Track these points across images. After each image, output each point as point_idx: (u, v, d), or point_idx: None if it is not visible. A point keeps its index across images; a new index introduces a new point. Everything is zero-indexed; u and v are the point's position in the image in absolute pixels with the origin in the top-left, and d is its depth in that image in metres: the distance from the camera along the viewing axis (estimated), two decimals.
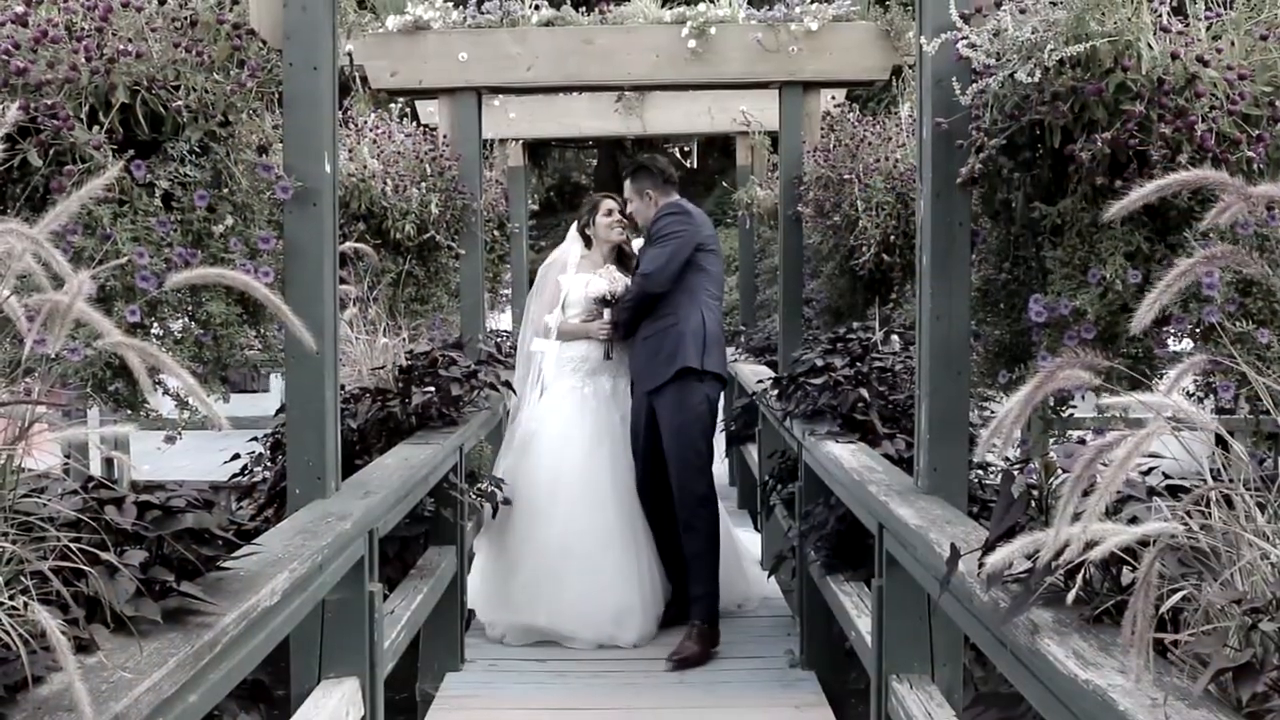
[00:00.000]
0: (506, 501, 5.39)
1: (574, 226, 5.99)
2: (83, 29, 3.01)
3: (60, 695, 1.63)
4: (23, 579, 1.80)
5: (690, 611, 5.34)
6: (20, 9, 2.97)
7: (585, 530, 5.38)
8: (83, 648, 1.80)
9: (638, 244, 5.87)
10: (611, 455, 5.59)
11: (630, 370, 5.70)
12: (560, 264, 5.87)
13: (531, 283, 9.03)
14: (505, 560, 5.50)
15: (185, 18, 3.13)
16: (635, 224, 5.85)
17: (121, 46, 2.98)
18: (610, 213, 5.84)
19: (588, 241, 5.89)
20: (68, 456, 2.27)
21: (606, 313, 5.68)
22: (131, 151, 3.00)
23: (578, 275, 5.77)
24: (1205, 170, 1.80)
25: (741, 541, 6.30)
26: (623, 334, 5.63)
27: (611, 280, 5.71)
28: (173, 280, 2.05)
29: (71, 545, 1.90)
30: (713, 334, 5.46)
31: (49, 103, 2.88)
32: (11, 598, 1.72)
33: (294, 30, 3.26)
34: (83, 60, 2.94)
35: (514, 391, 5.66)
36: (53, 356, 1.93)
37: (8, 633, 1.65)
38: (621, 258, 5.90)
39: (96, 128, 2.94)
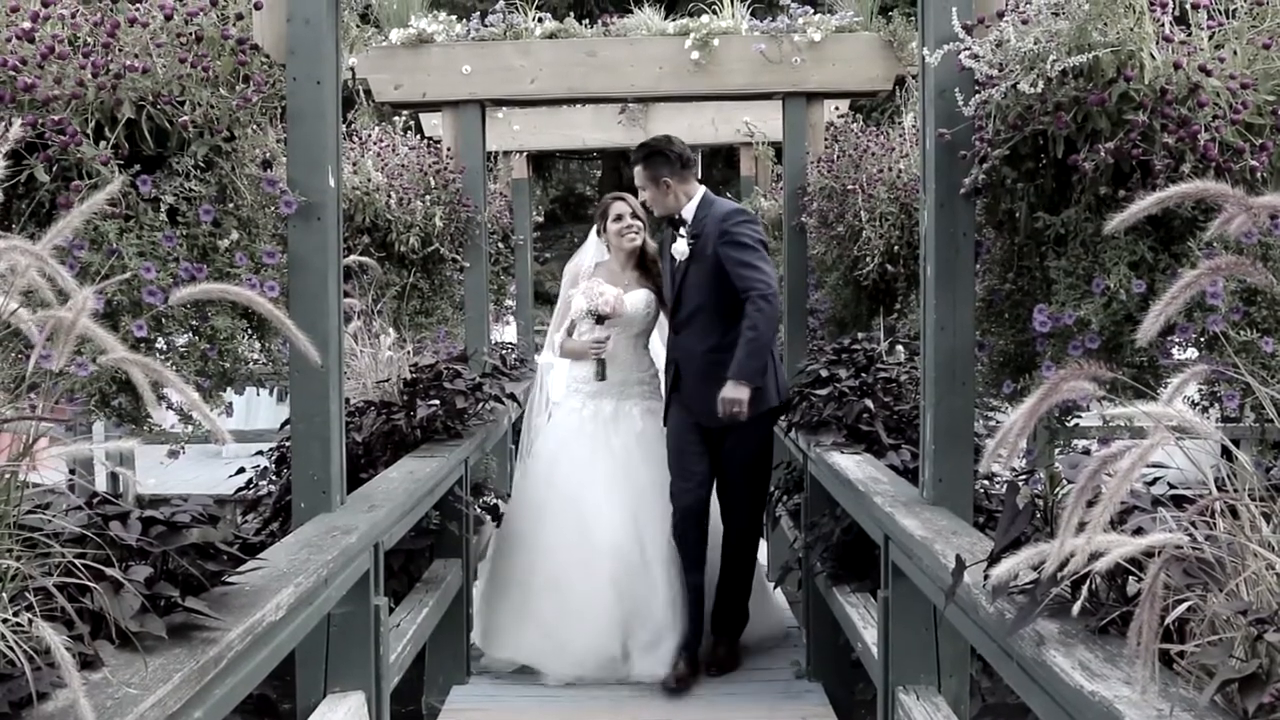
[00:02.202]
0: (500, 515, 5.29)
1: (594, 229, 5.56)
2: (89, 45, 3.03)
3: (65, 712, 1.63)
4: (27, 595, 1.81)
5: (717, 628, 5.14)
6: (27, 25, 2.98)
7: (572, 565, 5.02)
8: (87, 664, 1.81)
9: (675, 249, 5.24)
10: (608, 484, 5.16)
11: (688, 402, 5.04)
12: (572, 277, 5.48)
13: (537, 295, 8.98)
14: (494, 593, 5.27)
15: (190, 33, 3.14)
16: (635, 213, 5.34)
17: (128, 62, 2.99)
18: (620, 218, 5.32)
19: (607, 245, 5.45)
20: (72, 471, 2.28)
21: (598, 329, 5.21)
22: (137, 166, 3.01)
23: (589, 281, 5.30)
24: (1207, 182, 1.80)
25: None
26: (760, 379, 4.80)
27: (593, 297, 5.16)
28: (177, 296, 2.06)
29: (76, 561, 1.91)
30: (775, 357, 5.06)
31: (55, 118, 2.90)
32: (16, 614, 1.72)
33: (297, 45, 3.27)
34: (89, 76, 2.96)
35: (519, 404, 5.53)
36: (57, 372, 1.93)
37: (12, 649, 1.65)
38: (644, 262, 5.41)
39: (103, 143, 2.95)
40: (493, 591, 5.29)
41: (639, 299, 5.29)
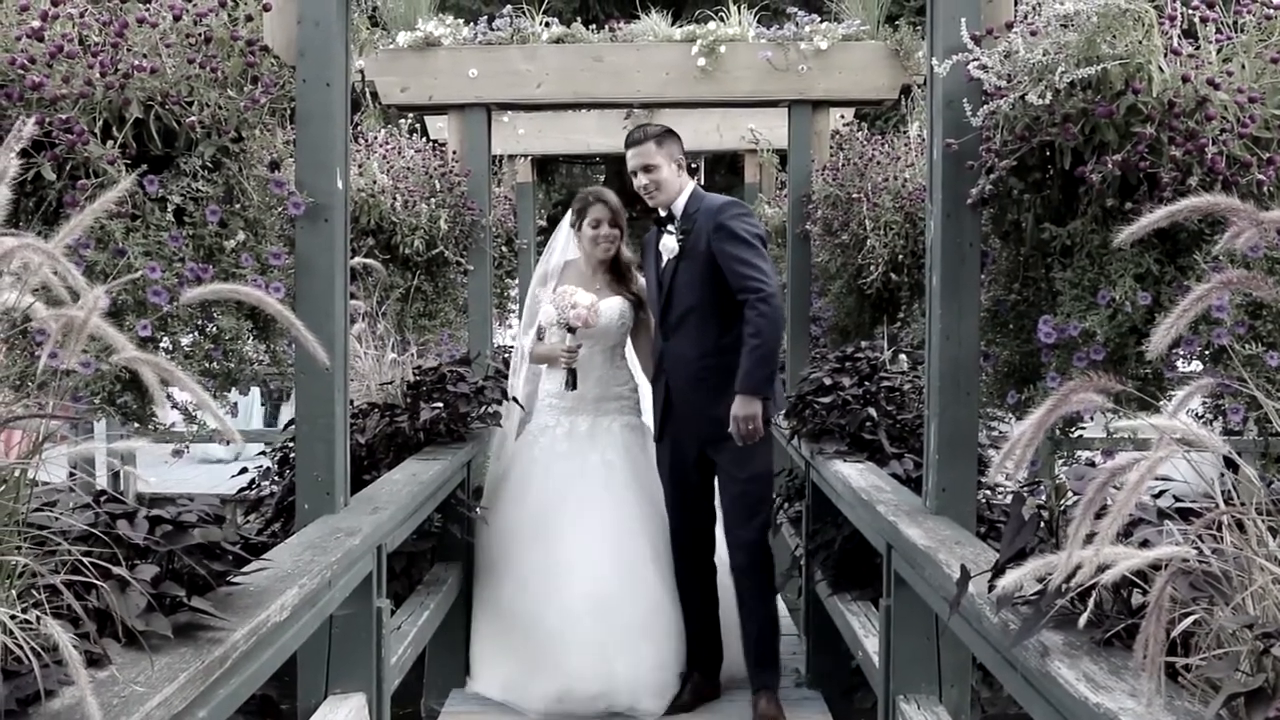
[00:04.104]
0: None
1: (566, 222, 5.17)
2: (98, 44, 3.03)
3: (72, 710, 1.63)
4: (35, 592, 1.81)
5: (759, 678, 4.63)
6: (36, 24, 2.99)
7: (546, 597, 4.68)
8: (94, 662, 1.81)
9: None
10: (584, 510, 4.78)
11: (680, 419, 4.63)
12: (541, 275, 5.17)
13: None
14: (472, 621, 4.97)
15: (199, 34, 3.15)
16: (615, 221, 4.95)
17: (136, 62, 2.99)
18: (598, 225, 4.94)
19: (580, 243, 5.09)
20: (74, 468, 2.28)
21: (568, 337, 4.84)
22: (144, 166, 3.00)
23: (561, 288, 4.94)
24: (1217, 196, 1.81)
25: None
26: (769, 389, 4.37)
27: (563, 308, 4.81)
28: (187, 296, 2.07)
29: (83, 559, 1.91)
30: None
31: (63, 117, 2.90)
32: (24, 610, 1.73)
33: (307, 47, 3.28)
34: (97, 75, 2.96)
35: (522, 407, 5.28)
36: (65, 370, 1.93)
37: (20, 646, 1.65)
38: (617, 267, 5.05)
39: (110, 142, 2.96)
40: (471, 624, 5.00)
41: (612, 308, 4.96)
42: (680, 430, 4.65)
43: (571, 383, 4.91)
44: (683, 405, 4.60)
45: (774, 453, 4.75)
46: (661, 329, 4.69)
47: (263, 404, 12.48)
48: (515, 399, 5.18)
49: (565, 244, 5.16)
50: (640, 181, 4.60)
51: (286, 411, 12.52)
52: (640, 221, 5.17)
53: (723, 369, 4.39)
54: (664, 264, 4.61)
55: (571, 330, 4.82)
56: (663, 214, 4.65)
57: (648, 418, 5.01)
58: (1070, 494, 2.26)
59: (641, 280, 5.05)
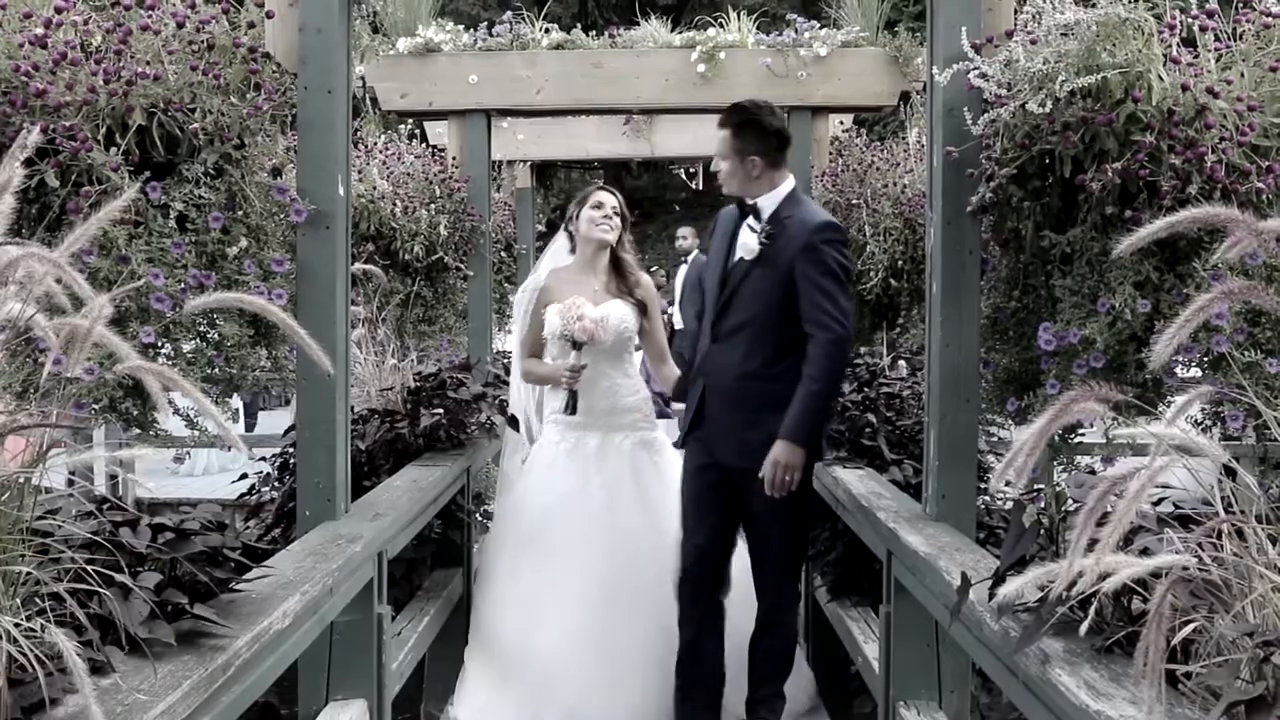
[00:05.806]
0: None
1: (563, 229, 4.95)
2: (101, 51, 3.04)
3: (76, 718, 1.63)
4: (39, 600, 1.81)
5: (757, 710, 4.30)
6: (40, 31, 3.00)
7: (536, 627, 4.40)
8: (97, 669, 1.81)
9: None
10: (581, 535, 4.49)
11: (709, 434, 4.14)
12: (532, 290, 4.88)
13: None
14: (467, 646, 4.73)
15: (202, 41, 3.15)
16: (619, 210, 4.72)
17: (139, 69, 3.00)
18: (600, 206, 4.69)
19: (573, 242, 4.84)
20: (72, 473, 2.29)
21: (573, 353, 4.52)
22: (147, 173, 3.02)
23: (570, 300, 4.59)
24: (1215, 206, 1.81)
25: None
26: (823, 420, 4.02)
27: (569, 320, 4.48)
28: (192, 305, 2.07)
29: (86, 567, 1.91)
30: None
31: (67, 124, 2.91)
32: (28, 618, 1.73)
33: (309, 54, 3.29)
34: (101, 82, 2.97)
35: (517, 428, 5.06)
36: (69, 378, 1.94)
37: (24, 654, 1.66)
38: (617, 265, 4.75)
39: (113, 149, 2.96)
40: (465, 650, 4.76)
41: (614, 314, 4.65)
42: (708, 444, 4.17)
43: (572, 407, 4.56)
44: (715, 420, 4.13)
45: (812, 499, 4.23)
46: (712, 329, 4.16)
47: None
48: (513, 416, 4.98)
49: (556, 250, 4.96)
50: (714, 165, 4.18)
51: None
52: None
53: (764, 394, 3.97)
54: (735, 260, 4.10)
55: (577, 346, 4.50)
56: (749, 201, 4.11)
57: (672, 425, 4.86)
58: (1070, 501, 2.26)
59: (645, 279, 4.81)
